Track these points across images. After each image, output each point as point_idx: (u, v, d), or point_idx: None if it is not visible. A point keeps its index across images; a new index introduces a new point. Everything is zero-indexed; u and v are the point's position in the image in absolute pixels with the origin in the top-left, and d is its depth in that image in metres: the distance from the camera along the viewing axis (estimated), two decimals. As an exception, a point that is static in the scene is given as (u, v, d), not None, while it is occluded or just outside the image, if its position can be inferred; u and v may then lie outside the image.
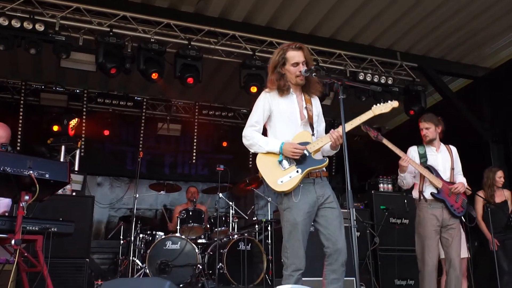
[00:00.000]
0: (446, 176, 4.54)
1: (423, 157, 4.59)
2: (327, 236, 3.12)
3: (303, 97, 3.37)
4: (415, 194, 4.64)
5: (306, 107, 3.33)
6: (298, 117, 3.30)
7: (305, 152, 3.18)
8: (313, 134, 3.29)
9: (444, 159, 4.63)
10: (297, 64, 3.28)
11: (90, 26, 6.14)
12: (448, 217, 4.42)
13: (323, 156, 3.36)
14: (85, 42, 6.22)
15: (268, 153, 3.23)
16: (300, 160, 3.16)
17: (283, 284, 2.94)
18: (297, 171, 3.14)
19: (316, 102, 3.45)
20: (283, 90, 3.29)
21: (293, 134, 3.24)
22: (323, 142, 3.24)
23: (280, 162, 3.17)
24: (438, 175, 4.49)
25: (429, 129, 4.65)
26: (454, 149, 4.74)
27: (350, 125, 3.27)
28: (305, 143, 3.21)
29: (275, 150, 3.19)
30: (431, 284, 4.33)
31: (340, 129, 3.13)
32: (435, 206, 4.44)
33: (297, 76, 3.28)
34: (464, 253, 5.35)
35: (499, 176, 5.85)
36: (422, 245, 4.43)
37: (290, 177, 3.13)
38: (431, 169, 4.51)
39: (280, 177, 3.13)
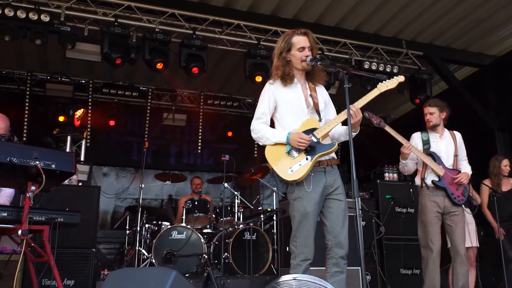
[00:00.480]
0: (449, 163, 4.53)
1: (426, 143, 4.58)
2: (329, 228, 3.14)
3: (307, 85, 3.34)
4: (417, 181, 4.65)
5: (311, 95, 3.29)
6: (304, 106, 3.27)
7: (313, 138, 3.13)
8: (320, 120, 3.24)
9: (448, 146, 4.60)
10: (303, 48, 3.26)
11: (95, 17, 6.14)
12: (449, 204, 4.42)
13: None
14: (90, 32, 6.22)
15: (276, 144, 3.20)
16: (309, 147, 3.12)
17: (291, 273, 2.92)
18: (307, 158, 3.10)
19: (321, 90, 3.41)
20: (286, 79, 3.27)
21: (300, 123, 3.21)
22: (331, 126, 3.19)
23: (289, 151, 3.14)
24: (440, 162, 4.48)
25: (433, 114, 4.62)
26: (458, 135, 4.71)
27: (357, 104, 3.18)
28: (312, 130, 3.17)
29: (282, 140, 3.16)
30: (434, 270, 4.32)
31: (357, 103, 3.13)
32: (437, 193, 4.44)
33: (303, 60, 3.25)
34: (474, 242, 5.37)
35: (505, 165, 5.83)
36: (424, 231, 4.44)
37: (300, 165, 3.09)
38: (434, 156, 4.50)
39: (290, 166, 3.10)
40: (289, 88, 3.30)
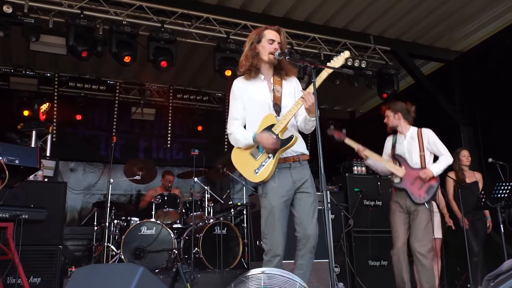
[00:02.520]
0: (414, 162, 4.56)
1: (393, 147, 4.68)
2: (298, 220, 3.17)
3: (272, 79, 3.33)
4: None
5: (273, 89, 3.29)
6: (270, 101, 3.28)
7: (272, 134, 3.13)
8: (278, 116, 3.23)
9: (410, 146, 4.62)
10: (272, 41, 3.28)
11: (60, 8, 6.00)
12: (411, 204, 4.50)
13: (301, 133, 3.35)
14: (55, 24, 6.07)
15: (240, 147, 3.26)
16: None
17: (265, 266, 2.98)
18: (269, 157, 3.13)
19: (289, 83, 3.39)
20: (251, 71, 3.29)
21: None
22: (287, 119, 3.17)
23: (252, 153, 3.19)
24: (404, 163, 4.55)
25: (389, 117, 4.74)
26: (426, 132, 4.67)
27: (309, 89, 3.11)
28: (270, 127, 3.18)
29: (250, 143, 3.19)
30: (398, 263, 4.46)
31: (308, 88, 3.10)
32: (399, 194, 4.58)
33: (271, 53, 3.26)
34: (438, 234, 5.52)
35: (463, 155, 6.00)
36: (391, 230, 4.63)
37: (263, 165, 3.12)
38: (398, 158, 4.59)
39: (255, 167, 3.14)
40: (254, 83, 3.32)
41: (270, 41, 3.28)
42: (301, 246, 3.13)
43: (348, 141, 4.40)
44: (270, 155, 3.13)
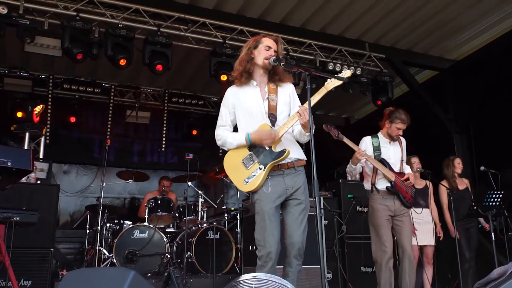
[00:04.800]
0: (396, 167, 4.61)
1: (377, 150, 4.62)
2: (285, 227, 3.19)
3: (267, 87, 3.33)
4: (367, 186, 4.68)
5: (268, 98, 3.28)
6: (262, 110, 3.27)
7: (265, 146, 3.16)
8: (273, 126, 3.22)
9: (396, 151, 4.67)
10: (269, 48, 3.30)
11: (56, 10, 5.98)
12: (399, 207, 4.51)
13: (298, 143, 3.36)
14: (50, 26, 6.04)
15: (232, 154, 3.26)
16: (261, 155, 3.17)
17: (258, 270, 3.01)
18: (260, 168, 3.14)
19: (285, 90, 3.38)
20: (243, 76, 3.29)
21: (256, 127, 3.21)
22: (281, 132, 3.18)
23: (243, 161, 3.19)
24: (390, 168, 4.56)
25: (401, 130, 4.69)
26: (403, 139, 4.77)
27: (306, 105, 3.07)
28: None
29: (243, 142, 3.20)
30: (388, 272, 4.36)
31: (306, 104, 3.05)
32: (387, 197, 4.51)
33: (266, 58, 3.27)
34: (431, 240, 5.54)
35: (458, 162, 6.05)
36: (377, 234, 4.47)
37: (254, 175, 3.14)
38: (383, 162, 4.56)
39: (245, 177, 3.16)
40: (246, 90, 3.33)
41: (266, 47, 3.30)
42: (287, 253, 3.14)
43: (347, 141, 4.36)
44: (262, 166, 3.14)
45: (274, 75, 3.35)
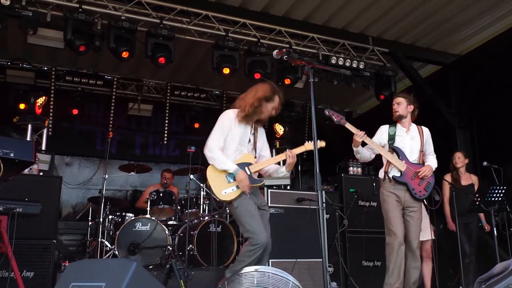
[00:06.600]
0: (413, 157, 4.53)
1: (391, 139, 4.57)
2: None
3: (253, 126, 3.97)
4: (381, 174, 4.65)
5: (253, 134, 3.96)
6: (247, 142, 3.91)
7: (247, 171, 3.78)
8: (255, 157, 3.93)
9: (413, 141, 4.60)
10: (276, 110, 3.94)
11: (59, 2, 5.96)
12: (409, 199, 4.46)
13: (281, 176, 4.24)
14: (53, 18, 6.03)
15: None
16: None
17: (246, 255, 3.52)
18: (238, 186, 3.74)
19: (262, 132, 4.09)
20: (247, 119, 3.86)
21: (239, 154, 3.85)
22: (263, 165, 3.89)
23: (226, 176, 3.76)
24: (404, 157, 4.48)
25: (400, 105, 4.63)
26: (426, 130, 4.71)
27: (294, 151, 3.88)
28: (248, 164, 3.84)
29: (230, 171, 3.75)
30: (398, 256, 4.30)
31: (295, 150, 3.84)
32: (398, 187, 4.47)
33: (268, 115, 3.93)
34: (429, 235, 5.52)
35: (458, 157, 6.05)
36: (387, 218, 4.46)
37: (233, 190, 3.74)
38: (397, 151, 4.50)
39: (225, 188, 3.73)
40: (241, 125, 3.88)
41: (273, 108, 3.90)
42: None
43: (349, 126, 4.34)
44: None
45: (259, 121, 3.99)
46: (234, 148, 3.85)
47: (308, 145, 3.90)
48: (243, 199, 3.71)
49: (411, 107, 4.65)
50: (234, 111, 3.91)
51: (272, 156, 4.12)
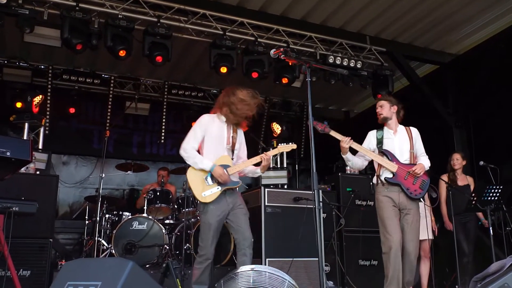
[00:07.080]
0: (404, 158, 4.50)
1: (379, 143, 4.56)
2: (236, 229, 4.01)
3: (231, 127, 4.15)
4: (374, 179, 4.63)
5: (232, 136, 4.13)
6: (225, 143, 4.09)
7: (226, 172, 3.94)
8: (232, 158, 4.09)
9: (402, 142, 4.57)
10: (250, 110, 4.14)
11: (55, 0, 5.94)
12: (405, 200, 4.40)
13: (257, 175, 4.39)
14: (50, 16, 6.01)
15: (196, 170, 3.98)
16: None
17: (196, 267, 3.90)
18: (218, 188, 3.95)
19: (240, 134, 4.24)
20: (226, 122, 4.11)
21: (217, 155, 4.01)
22: (240, 167, 4.07)
23: (206, 178, 3.95)
24: (394, 159, 4.45)
25: (383, 107, 4.61)
26: (414, 130, 4.68)
27: (269, 153, 4.15)
28: (226, 166, 4.00)
29: (207, 169, 3.94)
30: (397, 263, 4.25)
31: (269, 153, 4.10)
32: (392, 189, 4.42)
33: (244, 115, 4.12)
34: (427, 235, 5.54)
35: (456, 158, 6.06)
36: (384, 226, 4.39)
37: (212, 191, 3.93)
38: (387, 154, 4.48)
39: (204, 190, 3.92)
40: (219, 125, 4.09)
41: (248, 109, 4.13)
42: (242, 246, 3.93)
43: (333, 133, 4.34)
44: (219, 187, 3.96)
45: (238, 123, 4.17)
46: (212, 149, 4.03)
47: (282, 147, 4.25)
48: (210, 210, 3.94)
49: (395, 108, 4.64)
50: (211, 115, 4.17)
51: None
